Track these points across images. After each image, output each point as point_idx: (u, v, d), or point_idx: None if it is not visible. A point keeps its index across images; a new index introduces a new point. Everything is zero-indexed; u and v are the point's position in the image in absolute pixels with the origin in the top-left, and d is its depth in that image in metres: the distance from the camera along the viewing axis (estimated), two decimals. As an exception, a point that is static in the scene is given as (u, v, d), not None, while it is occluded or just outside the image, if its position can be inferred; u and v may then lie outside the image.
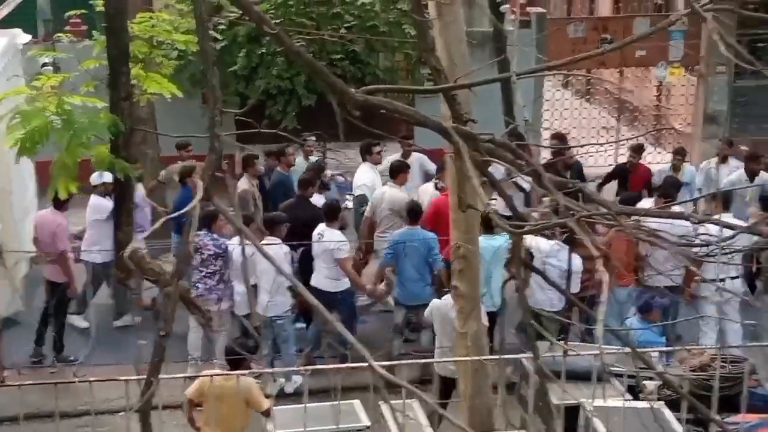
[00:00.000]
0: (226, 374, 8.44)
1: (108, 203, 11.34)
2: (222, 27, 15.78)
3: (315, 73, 4.86)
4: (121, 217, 5.71)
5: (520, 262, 5.09)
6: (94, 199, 12.15)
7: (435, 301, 10.17)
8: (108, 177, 11.55)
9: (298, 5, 16.03)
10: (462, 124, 5.37)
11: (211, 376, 8.46)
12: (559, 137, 14.71)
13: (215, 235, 11.01)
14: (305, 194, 12.32)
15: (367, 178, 13.20)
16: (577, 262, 10.63)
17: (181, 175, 12.73)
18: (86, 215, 12.31)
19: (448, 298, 9.30)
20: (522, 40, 13.59)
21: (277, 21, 15.02)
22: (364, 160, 13.44)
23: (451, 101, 5.68)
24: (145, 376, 4.45)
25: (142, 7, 10.33)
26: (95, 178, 11.90)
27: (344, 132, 5.06)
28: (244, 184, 12.93)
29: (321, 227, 11.42)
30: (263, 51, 15.54)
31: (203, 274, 10.94)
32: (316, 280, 11.41)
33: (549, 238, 10.79)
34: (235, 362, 8.58)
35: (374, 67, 16.29)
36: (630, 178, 14.06)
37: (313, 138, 14.24)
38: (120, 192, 5.90)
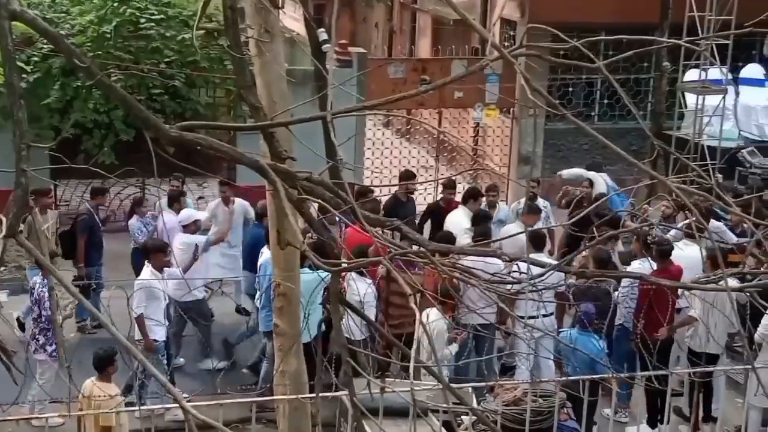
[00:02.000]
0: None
1: (198, 239, 12.48)
2: (36, 59, 15.35)
3: (128, 108, 4.76)
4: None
5: (337, 299, 5.10)
6: (184, 237, 12.50)
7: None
8: (198, 215, 12.96)
9: (116, 39, 15.76)
10: (281, 162, 5.36)
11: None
12: (409, 176, 14.96)
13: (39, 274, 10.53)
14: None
15: None
16: (369, 291, 10.73)
17: (258, 213, 12.75)
18: (175, 253, 12.41)
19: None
20: (343, 79, 13.72)
21: (93, 54, 14.72)
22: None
23: (270, 139, 5.65)
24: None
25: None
26: (184, 218, 12.64)
27: (165, 168, 4.99)
28: None
29: (263, 249, 11.63)
30: (78, 84, 15.18)
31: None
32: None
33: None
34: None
35: (195, 103, 16.17)
36: (443, 215, 14.23)
37: (180, 176, 14.00)
38: None
